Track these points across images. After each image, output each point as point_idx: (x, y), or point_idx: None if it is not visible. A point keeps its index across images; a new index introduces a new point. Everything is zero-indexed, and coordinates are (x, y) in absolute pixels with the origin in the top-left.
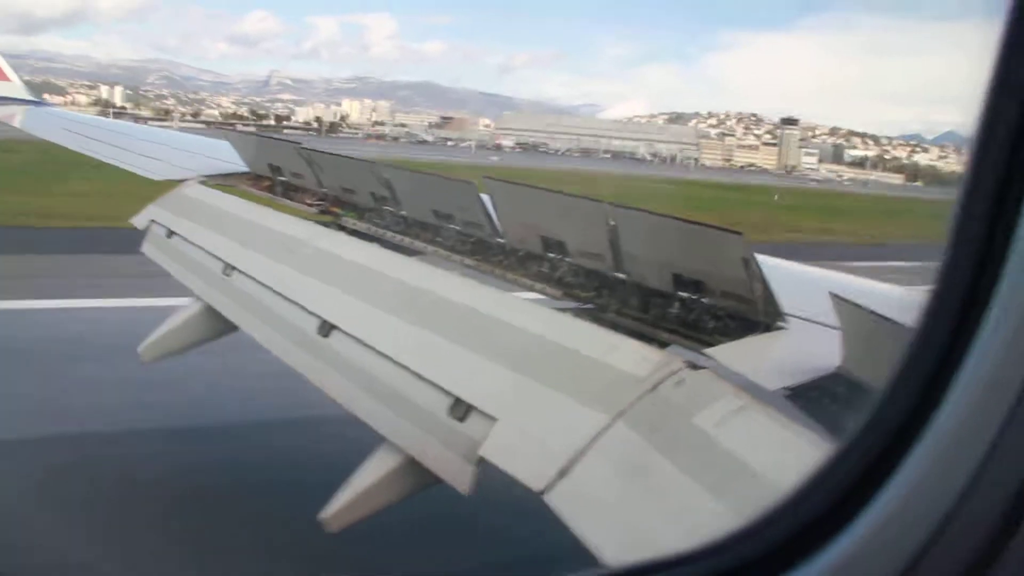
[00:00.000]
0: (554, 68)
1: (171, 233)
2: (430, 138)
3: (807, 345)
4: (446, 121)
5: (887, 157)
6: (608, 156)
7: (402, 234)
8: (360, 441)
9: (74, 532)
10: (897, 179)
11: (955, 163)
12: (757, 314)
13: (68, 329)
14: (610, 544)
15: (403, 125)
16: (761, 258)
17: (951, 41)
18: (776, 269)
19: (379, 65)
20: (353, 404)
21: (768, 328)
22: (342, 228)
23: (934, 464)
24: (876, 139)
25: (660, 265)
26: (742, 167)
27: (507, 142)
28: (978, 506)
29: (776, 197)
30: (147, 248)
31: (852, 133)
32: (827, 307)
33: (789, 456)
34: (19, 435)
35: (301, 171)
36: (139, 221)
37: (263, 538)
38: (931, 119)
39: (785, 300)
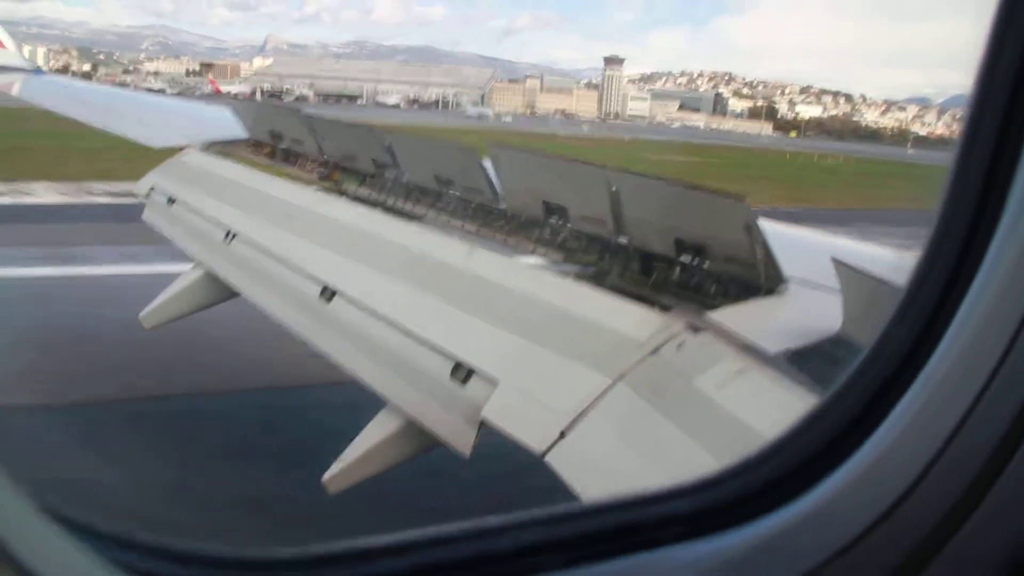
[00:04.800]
0: (559, 31)
1: (172, 200)
2: (157, 85)
3: (808, 309)
4: (207, 68)
5: (827, 116)
6: (363, 103)
7: (403, 199)
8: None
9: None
10: (764, 128)
11: (891, 120)
12: (759, 278)
13: None
14: None
15: (156, 73)
16: (763, 223)
17: (967, 3)
18: (778, 234)
19: (379, 29)
20: (355, 368)
21: (769, 292)
22: (343, 194)
23: (924, 407)
24: (850, 98)
25: (662, 230)
26: (533, 113)
27: (239, 88)
28: (966, 446)
29: None
30: (148, 215)
31: (824, 91)
32: (828, 271)
33: (789, 418)
34: None
35: (302, 137)
36: (139, 189)
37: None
38: (942, 82)
39: (787, 264)
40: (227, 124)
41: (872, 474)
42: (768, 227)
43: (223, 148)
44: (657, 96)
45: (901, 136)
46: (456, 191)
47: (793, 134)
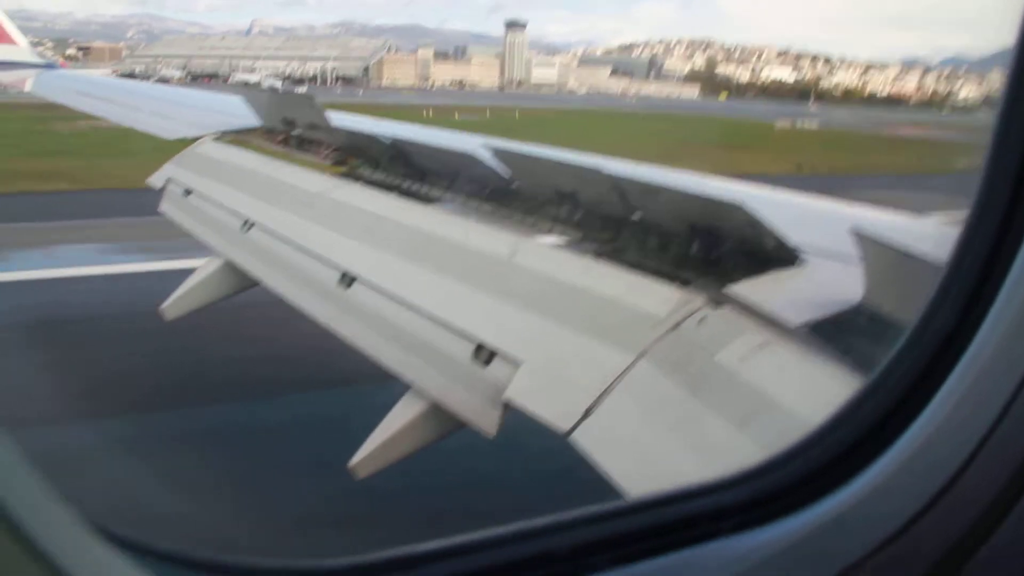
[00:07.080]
0: (548, 5)
1: (188, 191)
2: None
3: (829, 279)
4: (85, 51)
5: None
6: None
7: (418, 182)
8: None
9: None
10: (685, 91)
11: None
12: (776, 252)
13: None
14: (637, 481)
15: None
16: (780, 194)
17: None
18: (796, 204)
19: (367, 10)
20: (377, 353)
21: (789, 263)
22: (358, 179)
23: (969, 392)
24: (829, 61)
25: (674, 220)
26: (429, 85)
27: (101, 71)
28: (1011, 431)
29: None
30: (165, 207)
31: (801, 55)
32: (847, 240)
33: (813, 390)
34: None
35: (316, 123)
36: (155, 180)
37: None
38: (939, 43)
39: (805, 234)
40: (241, 113)
41: (916, 462)
42: (786, 198)
43: (237, 137)
44: (587, 63)
45: (849, 96)
46: (469, 176)
47: (723, 96)
